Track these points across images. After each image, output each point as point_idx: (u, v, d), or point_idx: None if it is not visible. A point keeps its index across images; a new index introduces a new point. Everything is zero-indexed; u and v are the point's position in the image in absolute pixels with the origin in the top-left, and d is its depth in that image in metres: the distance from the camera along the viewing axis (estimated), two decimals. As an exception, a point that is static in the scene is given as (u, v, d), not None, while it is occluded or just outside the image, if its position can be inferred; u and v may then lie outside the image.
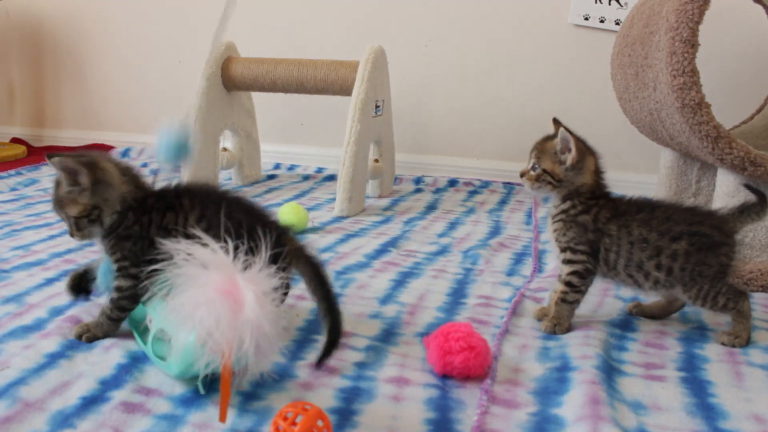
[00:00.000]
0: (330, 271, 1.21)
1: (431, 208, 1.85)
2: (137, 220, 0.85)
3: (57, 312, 0.97)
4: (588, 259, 0.95)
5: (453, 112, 2.30)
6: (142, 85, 2.66)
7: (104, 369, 0.79)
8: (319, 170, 2.36)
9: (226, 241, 0.72)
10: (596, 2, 2.07)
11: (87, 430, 0.67)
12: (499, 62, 2.22)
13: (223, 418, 0.66)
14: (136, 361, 0.82)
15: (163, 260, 0.73)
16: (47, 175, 2.10)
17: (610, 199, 0.98)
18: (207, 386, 0.74)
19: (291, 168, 2.40)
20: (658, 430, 0.71)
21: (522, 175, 0.99)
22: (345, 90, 1.81)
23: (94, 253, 1.27)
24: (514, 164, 2.28)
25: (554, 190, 0.97)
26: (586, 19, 2.10)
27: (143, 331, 0.87)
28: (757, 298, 1.15)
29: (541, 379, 0.82)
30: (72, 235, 0.86)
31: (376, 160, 1.93)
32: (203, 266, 0.69)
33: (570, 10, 2.11)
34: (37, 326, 0.91)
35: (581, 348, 0.89)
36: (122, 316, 0.88)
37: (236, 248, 0.72)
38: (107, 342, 0.86)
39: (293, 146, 2.48)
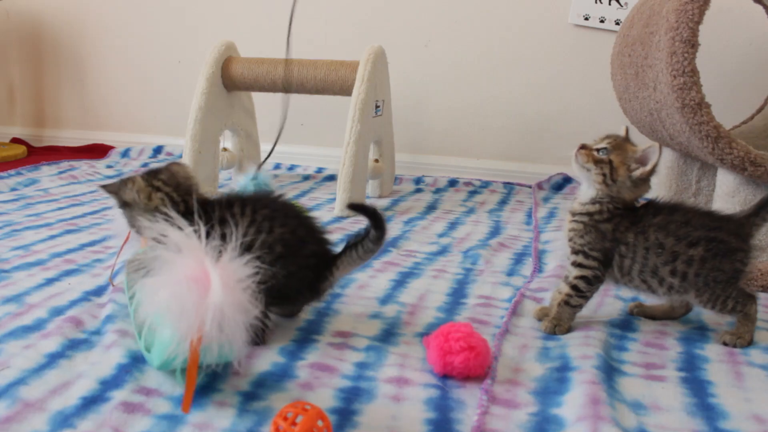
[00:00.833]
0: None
1: (431, 208, 1.85)
2: None
3: (57, 312, 0.97)
4: (599, 267, 0.95)
5: (453, 112, 2.31)
6: (142, 85, 2.66)
7: (104, 369, 0.79)
8: (319, 170, 2.36)
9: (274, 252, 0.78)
10: (596, 2, 2.07)
11: (87, 430, 0.67)
12: (499, 62, 2.22)
13: (185, 408, 0.65)
14: (136, 361, 0.82)
15: None
16: (47, 175, 2.10)
17: (632, 209, 0.96)
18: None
19: (291, 168, 2.40)
20: (658, 430, 0.71)
21: (583, 147, 0.94)
22: (345, 90, 1.81)
23: (94, 253, 1.27)
24: (514, 164, 2.28)
25: (599, 185, 0.93)
26: (586, 19, 2.10)
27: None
28: (758, 298, 1.15)
29: (541, 379, 0.82)
30: None
31: (376, 160, 1.93)
32: (176, 250, 0.70)
33: (570, 10, 2.11)
34: (37, 326, 0.91)
35: (581, 348, 0.89)
36: None
37: (209, 234, 0.75)
38: (107, 342, 0.86)
39: (293, 146, 2.48)
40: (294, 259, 0.87)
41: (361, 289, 1.12)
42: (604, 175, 0.92)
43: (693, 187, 1.61)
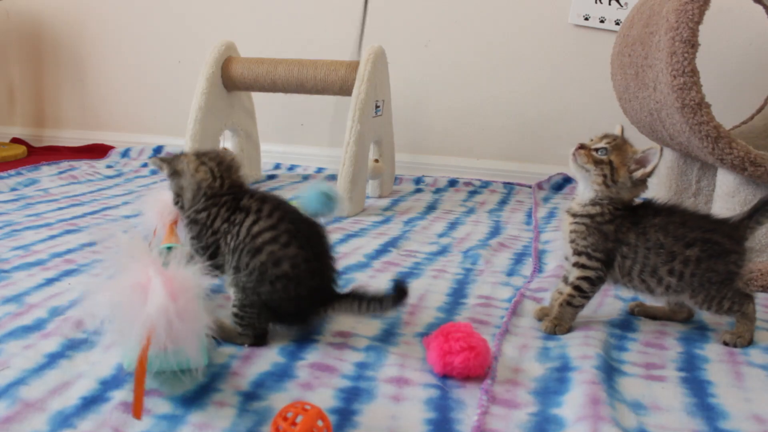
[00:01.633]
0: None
1: (431, 208, 1.85)
2: (206, 209, 0.91)
3: (57, 312, 0.97)
4: (602, 267, 0.95)
5: (453, 112, 2.31)
6: (142, 85, 2.66)
7: (104, 369, 0.79)
8: (319, 170, 2.36)
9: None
10: (596, 2, 2.07)
11: (87, 430, 0.67)
12: (499, 62, 2.22)
13: (137, 414, 0.64)
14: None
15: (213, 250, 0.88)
16: (47, 175, 2.10)
17: (631, 209, 0.96)
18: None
19: (291, 168, 2.40)
20: (658, 430, 0.71)
21: (582, 146, 0.94)
22: (345, 90, 1.81)
23: (94, 253, 1.27)
24: (514, 164, 2.28)
25: (599, 186, 0.93)
26: (586, 19, 2.10)
27: None
28: (758, 298, 1.15)
29: (541, 379, 0.82)
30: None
31: (376, 160, 1.93)
32: (128, 257, 0.71)
33: (570, 10, 2.11)
34: (37, 326, 0.91)
35: (581, 348, 0.89)
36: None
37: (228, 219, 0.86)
38: (107, 342, 0.86)
39: (293, 146, 2.48)
40: (295, 285, 0.86)
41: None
42: (604, 176, 0.92)
43: (693, 187, 1.61)
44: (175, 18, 2.55)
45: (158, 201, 1.10)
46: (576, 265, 0.96)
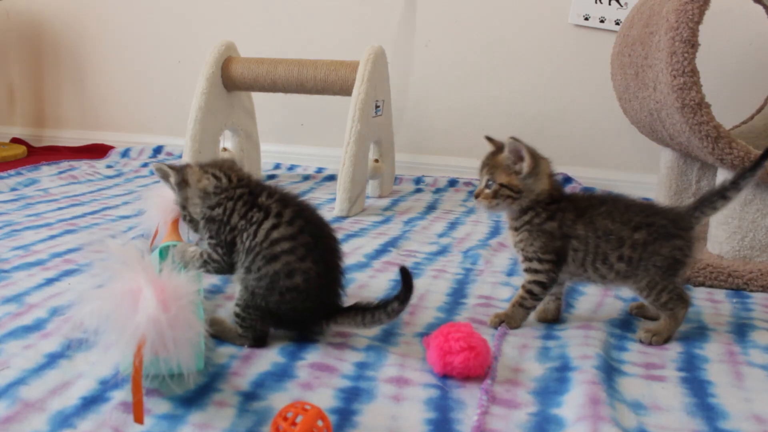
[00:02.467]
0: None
1: (431, 208, 1.85)
2: (220, 204, 0.90)
3: (57, 312, 0.97)
4: (552, 269, 0.95)
5: (453, 111, 2.30)
6: (142, 85, 2.66)
7: (104, 369, 0.79)
8: (319, 170, 2.36)
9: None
10: (596, 2, 2.07)
11: (87, 430, 0.67)
12: (498, 62, 2.22)
13: (138, 419, 0.64)
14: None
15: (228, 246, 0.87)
16: (47, 175, 2.10)
17: (569, 200, 0.97)
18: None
19: (291, 168, 2.40)
20: (658, 430, 0.71)
21: (477, 196, 0.96)
22: (345, 90, 1.81)
23: (94, 253, 1.27)
24: (514, 164, 2.28)
25: (514, 203, 0.94)
26: (586, 19, 2.10)
27: None
28: (758, 298, 1.15)
29: (541, 379, 0.82)
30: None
31: (376, 160, 1.93)
32: (120, 263, 0.71)
33: (570, 10, 2.11)
34: (37, 326, 0.91)
35: (581, 348, 0.89)
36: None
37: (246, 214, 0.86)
38: (107, 341, 0.86)
39: (293, 146, 2.48)
40: (304, 299, 0.86)
41: (361, 289, 1.12)
42: (509, 197, 0.94)
43: (693, 187, 1.61)
44: (175, 18, 2.55)
45: (160, 198, 1.09)
46: (527, 270, 0.97)
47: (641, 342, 0.94)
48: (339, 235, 1.47)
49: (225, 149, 1.99)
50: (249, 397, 0.75)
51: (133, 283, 0.70)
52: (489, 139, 1.01)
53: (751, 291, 1.19)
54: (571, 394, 0.76)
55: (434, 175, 2.29)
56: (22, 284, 1.08)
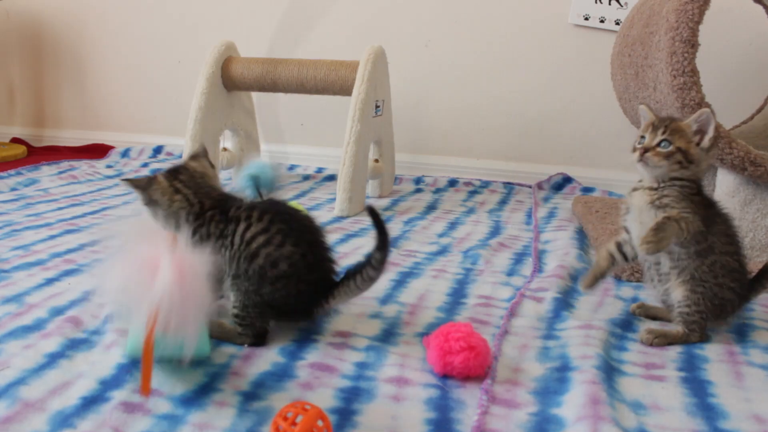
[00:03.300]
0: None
1: (431, 208, 1.85)
2: (195, 232, 0.89)
3: (57, 312, 0.97)
4: (696, 222, 0.91)
5: (453, 112, 2.30)
6: (142, 85, 2.66)
7: (104, 369, 0.79)
8: (319, 170, 2.36)
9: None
10: (596, 2, 2.07)
11: (87, 430, 0.67)
12: (499, 62, 2.22)
13: (145, 390, 0.65)
14: (137, 361, 0.82)
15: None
16: (47, 175, 2.10)
17: (702, 194, 0.95)
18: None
19: (291, 168, 2.40)
20: (658, 430, 0.71)
21: (646, 150, 0.92)
22: (345, 90, 1.81)
23: (94, 253, 1.27)
24: (514, 164, 2.28)
25: (679, 171, 0.92)
26: (586, 19, 2.10)
27: None
28: (758, 298, 1.15)
29: (541, 379, 0.82)
30: None
31: (376, 160, 1.93)
32: (137, 237, 0.71)
33: (570, 10, 2.11)
34: (37, 326, 0.91)
35: (581, 348, 0.89)
36: None
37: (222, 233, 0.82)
38: (107, 341, 0.86)
39: (293, 146, 2.48)
40: (295, 282, 0.87)
41: (361, 289, 1.12)
42: (680, 162, 0.91)
43: (693, 187, 1.60)
44: (175, 18, 2.55)
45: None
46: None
47: (642, 343, 0.93)
48: (339, 236, 1.48)
49: (225, 149, 1.99)
50: (249, 397, 0.75)
51: (153, 253, 0.70)
52: (647, 106, 0.98)
53: (747, 271, 1.18)
54: (571, 394, 0.77)
55: (434, 175, 2.29)
56: (22, 284, 1.08)
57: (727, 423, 0.73)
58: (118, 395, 0.73)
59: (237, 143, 2.05)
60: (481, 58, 2.24)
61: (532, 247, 1.43)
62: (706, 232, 0.92)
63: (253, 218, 0.87)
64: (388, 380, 0.80)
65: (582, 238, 1.50)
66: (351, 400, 0.75)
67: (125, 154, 2.53)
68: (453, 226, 1.64)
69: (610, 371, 0.83)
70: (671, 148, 0.91)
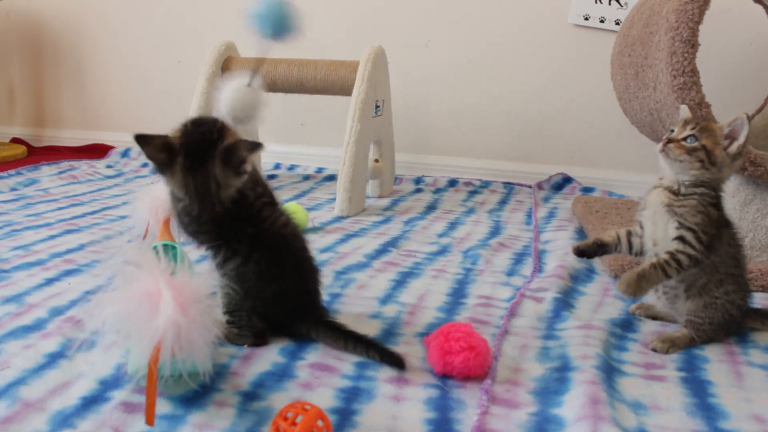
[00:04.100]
0: (330, 271, 1.21)
1: (431, 208, 1.85)
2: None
3: (57, 312, 0.97)
4: (704, 251, 0.90)
5: (453, 112, 2.30)
6: (142, 85, 2.66)
7: (104, 369, 0.79)
8: (319, 170, 2.36)
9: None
10: (596, 2, 2.07)
11: (87, 430, 0.67)
12: (499, 62, 2.22)
13: (149, 421, 0.64)
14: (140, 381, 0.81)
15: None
16: (47, 175, 2.10)
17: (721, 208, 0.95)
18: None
19: (291, 168, 2.40)
20: (658, 430, 0.71)
21: (670, 141, 0.91)
22: (345, 90, 1.81)
23: (94, 253, 1.27)
24: (514, 164, 2.28)
25: (699, 170, 0.91)
26: (586, 19, 2.10)
27: None
28: (758, 298, 1.15)
29: (541, 379, 0.82)
30: None
31: (376, 160, 1.93)
32: (136, 265, 0.70)
33: (570, 10, 2.11)
34: (37, 326, 0.91)
35: (581, 348, 0.89)
36: None
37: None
38: (107, 342, 0.86)
39: (293, 146, 2.48)
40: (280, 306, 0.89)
41: (361, 289, 1.12)
42: (701, 161, 0.90)
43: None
44: (175, 18, 2.55)
45: (151, 198, 1.08)
46: (680, 239, 0.91)
47: (656, 351, 0.91)
48: (339, 236, 1.48)
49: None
50: (249, 397, 0.75)
51: (152, 286, 0.69)
52: (689, 106, 0.97)
53: (751, 291, 1.18)
54: (571, 394, 0.76)
55: (434, 175, 2.29)
56: (22, 284, 1.08)
57: (727, 423, 0.73)
58: (118, 395, 0.74)
59: (237, 143, 2.05)
60: (481, 58, 2.24)
61: (532, 247, 1.43)
62: (711, 253, 0.91)
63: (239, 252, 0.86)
64: (388, 380, 0.80)
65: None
66: (351, 400, 0.75)
67: (125, 154, 2.53)
68: (453, 226, 1.64)
69: (610, 371, 0.83)
70: (696, 144, 0.90)
